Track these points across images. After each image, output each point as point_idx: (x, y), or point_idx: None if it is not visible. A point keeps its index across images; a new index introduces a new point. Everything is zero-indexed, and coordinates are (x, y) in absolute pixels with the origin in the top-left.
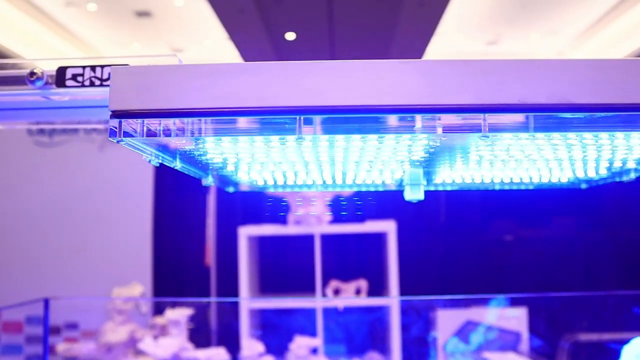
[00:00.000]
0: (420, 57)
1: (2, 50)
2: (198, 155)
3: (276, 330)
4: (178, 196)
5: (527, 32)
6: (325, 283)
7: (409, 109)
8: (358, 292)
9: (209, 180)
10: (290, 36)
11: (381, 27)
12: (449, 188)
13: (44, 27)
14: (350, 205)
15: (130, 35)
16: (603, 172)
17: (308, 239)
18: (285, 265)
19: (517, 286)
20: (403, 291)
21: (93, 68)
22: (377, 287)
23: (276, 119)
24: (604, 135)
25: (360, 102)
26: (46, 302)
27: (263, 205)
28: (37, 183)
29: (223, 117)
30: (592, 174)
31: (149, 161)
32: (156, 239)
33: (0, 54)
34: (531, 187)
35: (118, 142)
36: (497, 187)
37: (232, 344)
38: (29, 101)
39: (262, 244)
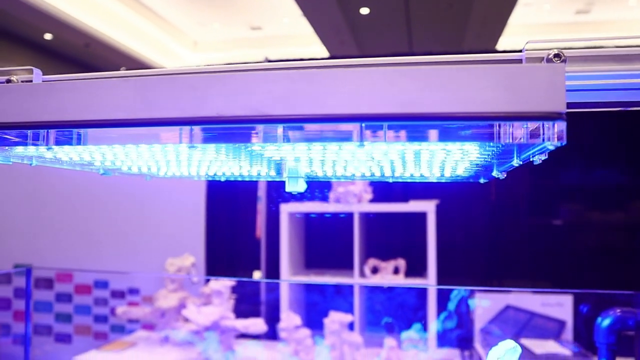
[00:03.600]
0: (501, 30)
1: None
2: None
3: (314, 305)
4: None
5: None
6: (364, 261)
7: (123, 123)
8: (396, 271)
9: (107, 174)
10: (364, 11)
11: None
12: (333, 179)
13: (127, 7)
14: (390, 185)
15: (211, 16)
16: (461, 171)
17: (348, 217)
18: (326, 243)
19: (563, 273)
20: (441, 271)
21: None
22: (416, 267)
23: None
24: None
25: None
26: (28, 272)
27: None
28: None
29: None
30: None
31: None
32: (209, 213)
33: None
34: (419, 180)
35: None
36: (390, 180)
37: (273, 316)
38: None
39: (307, 221)
